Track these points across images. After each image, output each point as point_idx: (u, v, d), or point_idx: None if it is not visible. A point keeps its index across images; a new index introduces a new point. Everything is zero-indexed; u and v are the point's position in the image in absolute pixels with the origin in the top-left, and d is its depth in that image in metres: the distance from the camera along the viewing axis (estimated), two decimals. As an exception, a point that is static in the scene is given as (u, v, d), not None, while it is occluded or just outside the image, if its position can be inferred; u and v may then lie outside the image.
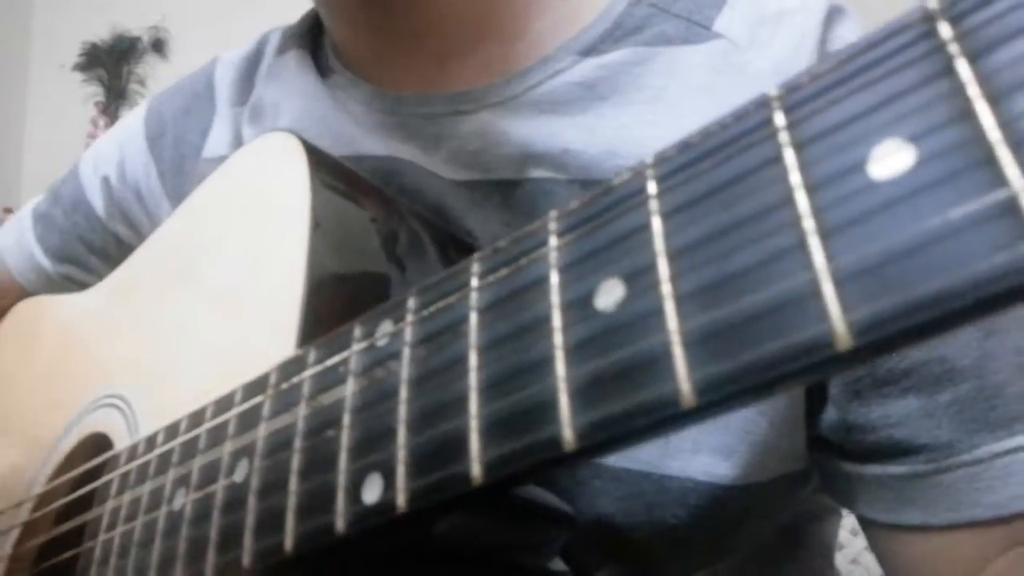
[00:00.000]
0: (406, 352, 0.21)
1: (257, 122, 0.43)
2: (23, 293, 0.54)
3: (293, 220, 0.31)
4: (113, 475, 0.31)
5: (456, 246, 0.35)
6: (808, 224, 0.14)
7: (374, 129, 0.39)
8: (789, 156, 0.15)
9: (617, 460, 0.32)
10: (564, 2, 0.38)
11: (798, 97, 0.15)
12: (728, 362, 0.14)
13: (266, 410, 0.24)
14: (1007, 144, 0.12)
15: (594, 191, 0.18)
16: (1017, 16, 0.12)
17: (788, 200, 0.14)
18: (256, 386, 0.25)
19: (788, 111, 0.15)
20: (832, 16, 0.34)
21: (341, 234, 0.31)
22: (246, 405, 0.25)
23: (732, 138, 0.16)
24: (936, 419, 0.31)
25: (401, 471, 0.19)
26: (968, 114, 0.13)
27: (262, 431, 0.24)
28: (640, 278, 0.16)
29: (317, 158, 0.33)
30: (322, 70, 0.43)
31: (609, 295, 0.17)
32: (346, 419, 0.21)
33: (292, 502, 0.22)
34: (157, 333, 0.36)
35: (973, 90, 0.13)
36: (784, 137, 0.15)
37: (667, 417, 0.15)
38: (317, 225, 0.30)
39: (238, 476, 0.24)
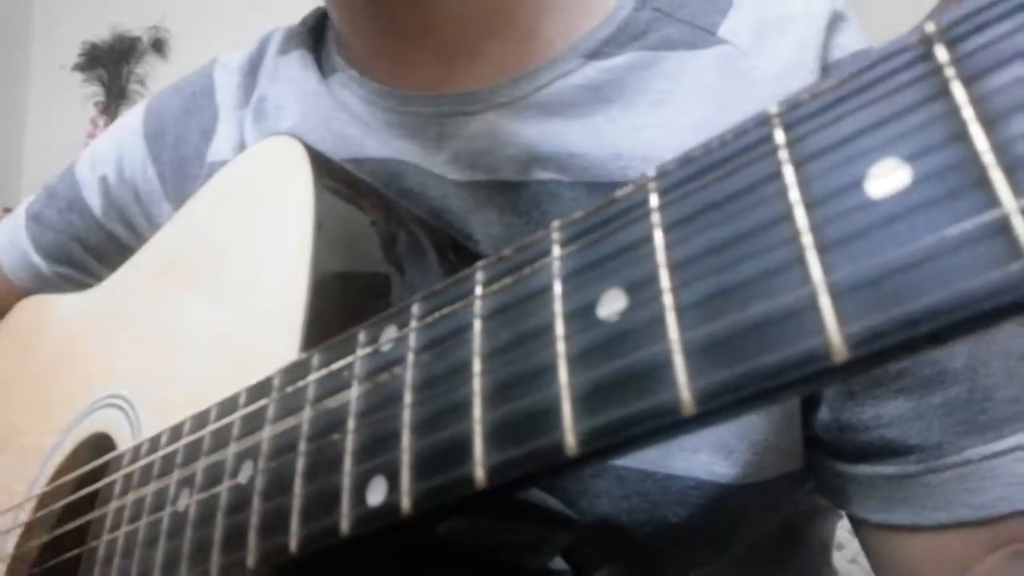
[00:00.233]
0: (410, 357, 0.21)
1: (261, 123, 0.44)
2: (21, 293, 0.54)
3: (296, 223, 0.31)
4: (116, 475, 0.31)
5: (455, 250, 0.36)
6: (806, 239, 0.14)
7: (376, 128, 0.40)
8: (788, 173, 0.15)
9: (619, 460, 0.33)
10: (570, 5, 0.39)
11: (798, 115, 0.15)
12: (728, 372, 0.14)
13: (270, 413, 0.25)
14: (1000, 166, 0.12)
15: (597, 202, 0.18)
16: (1011, 42, 0.13)
17: (787, 216, 0.15)
18: (260, 389, 0.26)
19: (788, 128, 0.15)
20: (834, 23, 0.35)
21: (344, 237, 0.32)
22: (251, 408, 0.26)
23: (733, 154, 0.16)
24: (927, 421, 0.32)
25: (405, 474, 0.19)
26: (963, 136, 0.13)
27: (266, 434, 0.25)
28: (642, 289, 0.16)
29: (319, 162, 0.33)
30: (324, 70, 0.44)
31: (611, 305, 0.17)
32: (351, 423, 0.22)
33: (296, 504, 0.22)
34: (160, 334, 0.36)
35: (968, 113, 0.13)
36: (784, 154, 0.15)
37: (667, 424, 0.15)
38: (320, 228, 0.31)
39: (242, 478, 0.25)
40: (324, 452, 0.22)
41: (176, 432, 0.29)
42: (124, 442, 0.34)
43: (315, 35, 0.46)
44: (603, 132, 0.35)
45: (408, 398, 0.20)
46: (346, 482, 0.21)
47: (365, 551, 0.24)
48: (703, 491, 0.32)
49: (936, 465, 0.31)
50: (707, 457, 0.32)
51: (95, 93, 2.11)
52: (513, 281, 0.19)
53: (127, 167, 0.49)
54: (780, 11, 0.36)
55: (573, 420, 0.16)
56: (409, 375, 0.21)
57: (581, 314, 0.17)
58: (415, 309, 0.22)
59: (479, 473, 0.18)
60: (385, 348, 0.22)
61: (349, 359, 0.23)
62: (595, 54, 0.37)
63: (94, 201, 0.51)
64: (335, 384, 0.23)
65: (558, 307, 0.18)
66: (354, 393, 0.22)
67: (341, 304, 0.30)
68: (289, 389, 0.25)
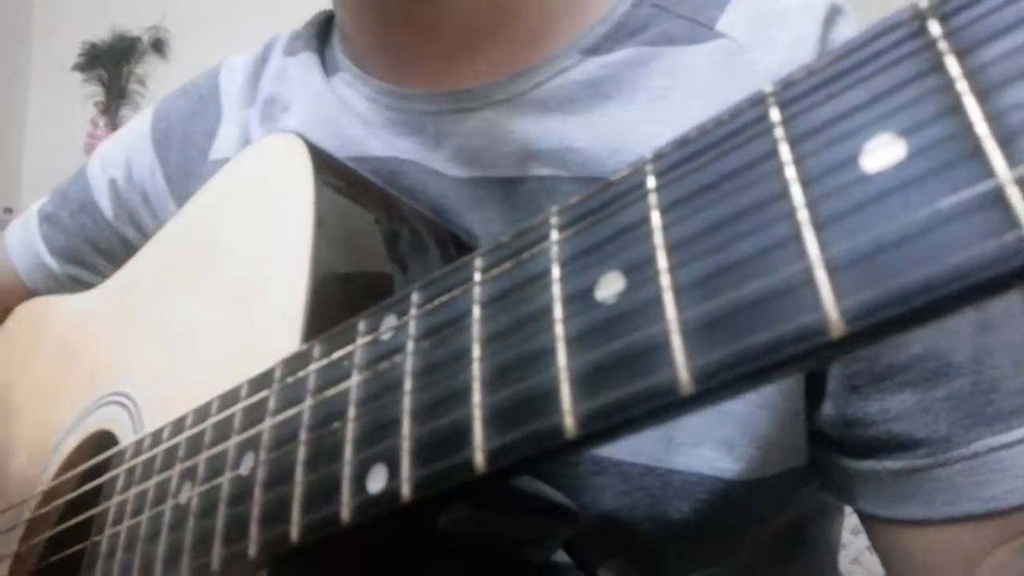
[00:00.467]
0: (410, 345, 0.21)
1: (267, 122, 0.44)
2: (28, 293, 0.55)
3: (297, 219, 0.31)
4: (119, 470, 0.31)
5: (457, 245, 0.36)
6: (802, 216, 0.14)
7: (378, 126, 0.40)
8: (784, 150, 0.15)
9: (621, 455, 0.32)
10: (569, 1, 0.39)
11: (793, 93, 0.15)
12: (725, 349, 0.14)
13: (272, 404, 0.25)
14: (994, 137, 0.12)
15: (595, 186, 0.18)
16: (1003, 14, 0.13)
17: (783, 193, 0.15)
18: (262, 381, 0.26)
19: (783, 107, 0.15)
20: (832, 16, 0.35)
21: (344, 233, 0.32)
22: (252, 399, 0.26)
23: (729, 134, 0.16)
24: (933, 414, 0.31)
25: (405, 461, 0.20)
26: (957, 109, 0.13)
27: (267, 425, 0.25)
28: (639, 270, 0.16)
29: (321, 159, 0.33)
30: (328, 70, 0.44)
31: (609, 287, 0.17)
32: (351, 411, 0.22)
33: (298, 493, 0.22)
34: (162, 331, 0.36)
35: (961, 85, 0.13)
36: (779, 132, 0.15)
37: (666, 404, 0.15)
38: (321, 224, 0.31)
39: (244, 469, 0.25)
40: (325, 441, 0.22)
41: (178, 426, 0.29)
42: (126, 438, 0.34)
43: (321, 37, 0.47)
44: (601, 127, 0.35)
45: (408, 385, 0.20)
46: (347, 470, 0.21)
47: (366, 541, 0.24)
48: (705, 486, 0.32)
49: (944, 459, 0.31)
50: (710, 452, 0.32)
51: (95, 93, 2.11)
52: (512, 266, 0.19)
53: (135, 170, 0.50)
54: (778, 5, 0.36)
55: (572, 402, 0.16)
56: (409, 363, 0.21)
57: (579, 297, 0.17)
58: (414, 297, 0.22)
59: (479, 458, 0.18)
60: (385, 337, 0.22)
61: (349, 348, 0.23)
62: (594, 50, 0.37)
63: (104, 203, 0.52)
64: (335, 373, 0.23)
65: (556, 290, 0.18)
66: (354, 382, 0.22)
67: (342, 299, 0.30)
68: (290, 380, 0.25)
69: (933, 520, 0.32)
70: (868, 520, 0.35)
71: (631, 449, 0.32)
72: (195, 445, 0.27)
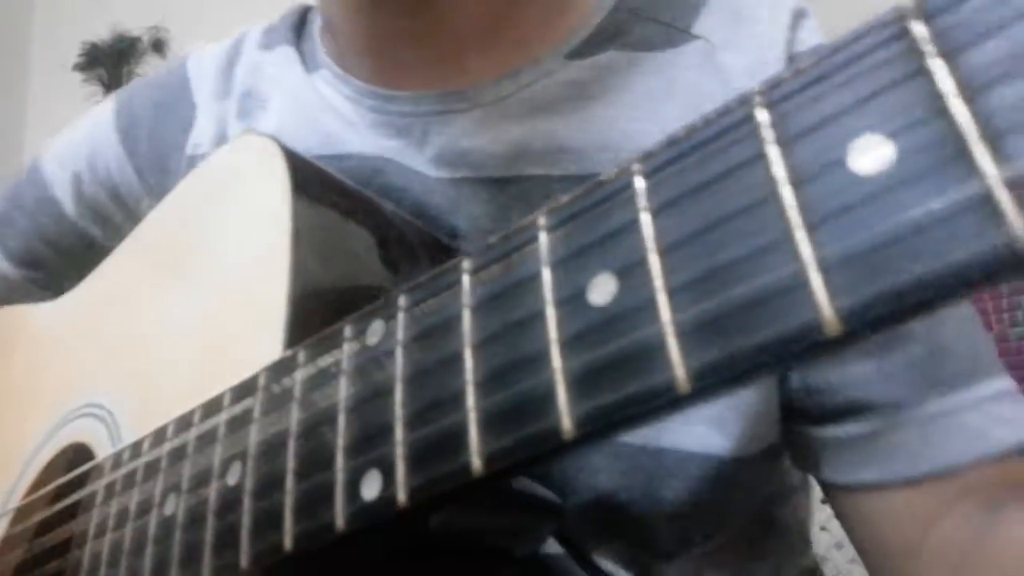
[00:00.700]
0: (399, 350, 0.21)
1: (245, 117, 0.43)
2: None
3: (274, 225, 0.31)
4: (98, 484, 0.31)
5: (439, 249, 0.36)
6: (794, 217, 0.14)
7: (361, 126, 0.40)
8: (773, 152, 0.15)
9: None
10: (551, 7, 0.39)
11: (780, 93, 0.16)
12: (721, 349, 0.15)
13: (257, 412, 0.25)
14: (982, 139, 0.13)
15: (583, 187, 0.18)
16: (987, 16, 0.13)
17: (774, 195, 0.15)
18: (245, 389, 0.26)
19: (771, 108, 0.16)
20: (798, 18, 0.37)
21: (321, 238, 0.31)
22: (236, 408, 0.25)
23: (717, 134, 0.16)
24: (890, 379, 0.33)
25: (400, 467, 0.19)
26: (943, 111, 0.13)
27: (254, 434, 0.24)
28: (632, 272, 0.17)
29: (295, 162, 0.33)
30: (308, 66, 0.44)
31: (602, 289, 0.17)
32: (341, 419, 0.22)
33: (289, 502, 0.22)
34: (138, 339, 0.35)
35: (948, 87, 0.13)
36: (768, 134, 0.15)
37: (663, 404, 0.16)
38: (298, 229, 0.30)
39: (231, 479, 0.24)
40: (315, 449, 0.22)
41: (159, 436, 0.28)
42: (103, 451, 0.33)
43: (297, 31, 0.46)
44: (589, 127, 0.37)
45: (399, 391, 0.20)
46: (339, 478, 0.21)
47: (354, 546, 0.24)
48: (696, 463, 0.33)
49: (899, 421, 0.33)
50: (700, 429, 0.33)
51: (95, 93, 2.04)
52: (501, 269, 0.19)
53: (100, 163, 0.48)
54: (748, 9, 0.38)
55: (569, 404, 0.17)
56: (399, 368, 0.21)
57: (571, 300, 0.18)
58: (401, 301, 0.22)
59: (476, 462, 0.18)
60: (372, 342, 0.22)
61: (336, 355, 0.23)
62: (577, 54, 0.38)
63: (66, 200, 0.49)
64: (323, 380, 0.23)
65: (548, 294, 0.18)
66: (343, 388, 0.22)
67: (322, 305, 0.30)
68: (275, 388, 0.24)
69: (890, 483, 0.33)
70: (831, 491, 0.36)
71: None
72: (178, 456, 0.27)
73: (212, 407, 0.27)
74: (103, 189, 0.48)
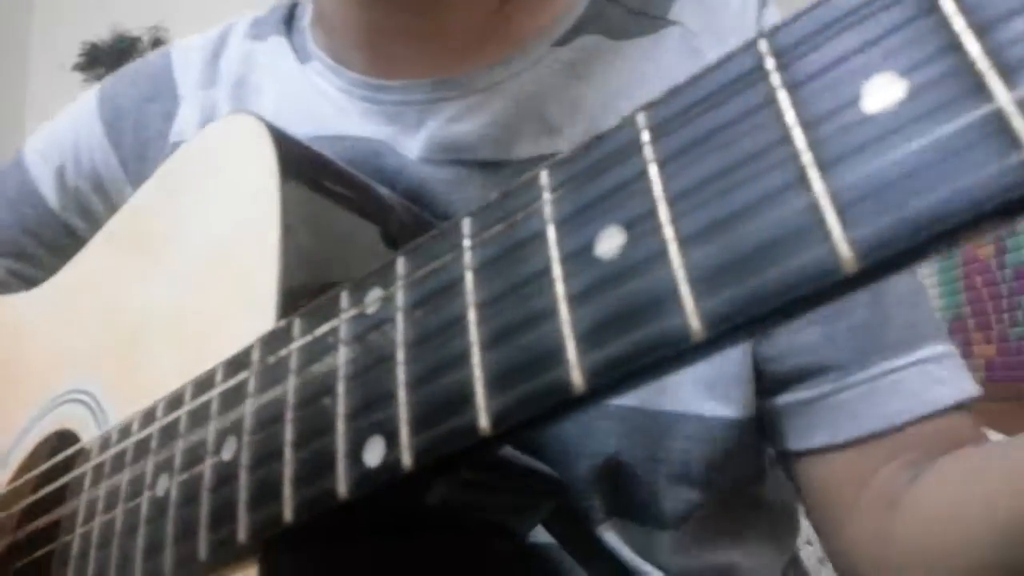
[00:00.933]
0: (400, 316, 0.21)
1: (238, 104, 0.44)
2: None
3: (261, 205, 0.30)
4: (86, 467, 0.30)
5: (430, 228, 0.35)
6: (807, 158, 0.14)
7: (354, 114, 0.41)
8: (783, 96, 0.15)
9: (619, 399, 0.34)
10: (542, 1, 0.41)
11: (786, 39, 0.16)
12: (736, 293, 0.15)
13: (252, 386, 0.24)
14: (995, 69, 0.13)
15: (585, 141, 0.18)
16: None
17: (786, 137, 0.15)
18: (239, 363, 0.25)
19: (777, 54, 0.16)
20: (763, 4, 0.40)
21: (312, 214, 0.31)
22: (230, 383, 0.25)
23: (724, 83, 0.16)
24: (836, 344, 0.35)
25: (404, 430, 0.19)
26: (955, 46, 0.13)
27: (249, 407, 0.24)
28: (641, 224, 0.16)
29: (283, 142, 0.32)
30: (300, 57, 0.44)
31: (609, 243, 0.17)
32: (340, 387, 0.21)
33: (288, 472, 0.22)
34: (120, 323, 0.35)
35: (959, 23, 0.13)
36: (776, 79, 0.15)
37: (676, 352, 0.15)
38: (287, 207, 0.30)
39: (226, 454, 0.24)
40: (314, 418, 0.22)
41: (148, 417, 0.28)
42: (89, 436, 0.33)
43: (287, 22, 0.47)
44: (580, 107, 0.38)
45: (401, 355, 0.20)
46: (340, 445, 0.21)
47: (355, 523, 0.24)
48: (691, 424, 0.35)
49: (845, 383, 0.35)
50: (696, 391, 0.35)
51: None
52: (504, 229, 0.19)
53: (85, 155, 0.48)
54: None
55: (579, 356, 0.16)
56: (400, 334, 0.20)
57: (578, 255, 0.17)
58: (400, 268, 0.21)
59: (484, 419, 0.18)
60: (371, 310, 0.22)
61: (333, 323, 0.22)
62: (562, 42, 0.39)
63: (49, 192, 0.49)
64: (320, 349, 0.22)
65: (554, 251, 0.18)
66: (342, 356, 0.22)
67: (313, 285, 0.29)
68: (271, 359, 0.24)
69: (837, 445, 0.35)
70: (787, 461, 0.38)
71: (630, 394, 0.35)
72: (169, 435, 0.26)
73: (204, 384, 0.26)
74: (87, 181, 0.48)
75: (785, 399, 0.36)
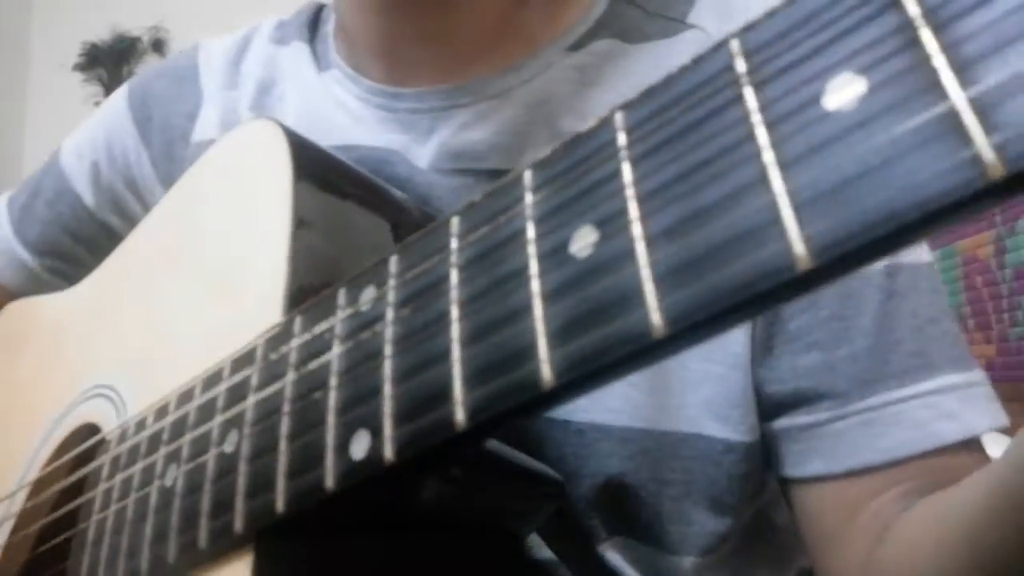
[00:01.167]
0: (390, 314, 0.21)
1: (260, 110, 0.44)
2: (10, 296, 0.54)
3: (277, 209, 0.31)
4: (104, 459, 0.31)
5: None
6: (768, 156, 0.14)
7: (370, 123, 0.41)
8: (749, 95, 0.15)
9: (622, 421, 0.34)
10: (553, 4, 0.40)
11: (756, 39, 0.16)
12: (696, 290, 0.15)
13: (254, 381, 0.25)
14: (949, 66, 0.13)
15: (565, 141, 0.18)
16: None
17: (749, 136, 0.15)
18: (244, 360, 0.26)
19: (747, 55, 0.16)
20: None
21: (324, 216, 0.32)
22: (235, 379, 0.26)
23: (696, 84, 0.16)
24: (835, 371, 0.34)
25: (387, 424, 0.20)
26: (914, 42, 0.13)
27: (251, 401, 0.25)
28: (612, 222, 0.17)
29: (299, 146, 0.33)
30: (320, 64, 0.45)
31: (583, 241, 0.17)
32: (332, 382, 0.22)
33: (282, 464, 0.22)
34: (146, 321, 0.36)
35: (919, 21, 0.13)
36: (744, 78, 0.15)
37: (640, 349, 0.15)
38: (299, 210, 0.31)
39: (228, 446, 0.25)
40: (307, 412, 0.22)
41: (162, 411, 0.29)
42: (110, 429, 0.34)
43: (311, 28, 0.47)
44: (590, 115, 0.37)
45: (388, 351, 0.21)
46: (330, 438, 0.21)
47: (351, 521, 0.24)
48: (692, 445, 0.34)
49: (843, 412, 0.34)
50: (694, 413, 0.34)
51: (95, 93, 2.06)
52: (489, 230, 0.19)
53: (118, 152, 0.49)
54: (741, 1, 0.39)
55: (548, 352, 0.17)
56: (389, 331, 0.21)
57: (554, 253, 0.18)
58: (392, 267, 0.22)
59: (460, 413, 0.18)
60: (365, 308, 0.22)
61: (331, 321, 0.23)
62: (576, 47, 0.39)
63: (84, 190, 0.50)
64: (317, 346, 0.23)
65: (532, 249, 0.18)
66: (335, 353, 0.22)
67: (324, 286, 0.30)
68: (273, 356, 0.25)
69: (835, 474, 0.34)
70: (785, 486, 0.37)
71: (630, 414, 0.34)
72: (179, 428, 0.27)
73: (212, 380, 0.27)
74: (121, 177, 0.49)
75: (782, 424, 0.35)
